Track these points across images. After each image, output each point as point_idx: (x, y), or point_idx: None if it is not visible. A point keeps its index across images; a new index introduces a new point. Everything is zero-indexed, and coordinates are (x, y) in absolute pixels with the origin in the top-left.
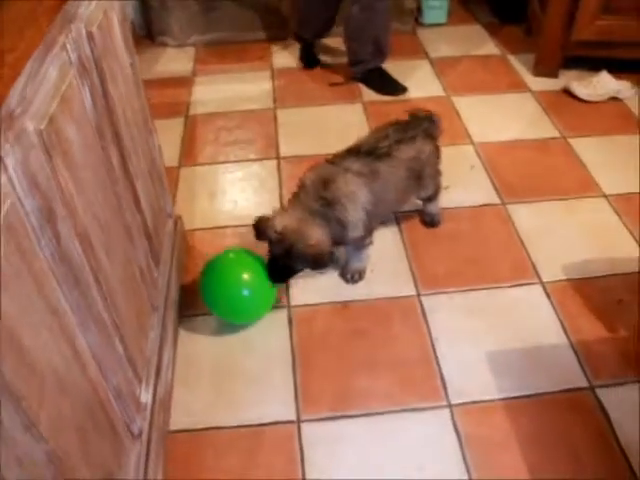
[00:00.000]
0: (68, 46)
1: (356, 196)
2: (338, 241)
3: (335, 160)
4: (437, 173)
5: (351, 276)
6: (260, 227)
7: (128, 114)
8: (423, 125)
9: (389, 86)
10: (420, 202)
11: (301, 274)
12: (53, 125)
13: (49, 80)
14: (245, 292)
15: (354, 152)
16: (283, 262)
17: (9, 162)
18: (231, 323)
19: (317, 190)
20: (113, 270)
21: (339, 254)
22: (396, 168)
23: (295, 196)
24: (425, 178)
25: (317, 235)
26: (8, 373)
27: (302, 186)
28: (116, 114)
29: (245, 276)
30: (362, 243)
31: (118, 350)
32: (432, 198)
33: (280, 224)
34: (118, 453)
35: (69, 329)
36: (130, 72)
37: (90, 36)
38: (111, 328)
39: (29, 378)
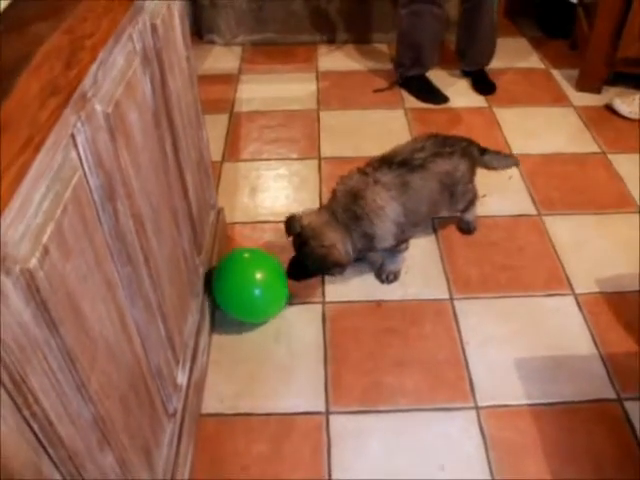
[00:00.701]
0: (134, 36)
1: (384, 211)
2: (368, 250)
3: (367, 170)
4: (469, 190)
5: (386, 276)
6: (289, 222)
7: (182, 105)
8: (462, 143)
9: (430, 95)
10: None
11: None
12: (118, 109)
13: (117, 67)
14: (257, 292)
15: (387, 162)
16: (299, 259)
17: (79, 140)
18: (242, 321)
19: (347, 202)
20: (160, 252)
21: (375, 257)
22: (428, 181)
23: (327, 205)
24: (457, 194)
25: (333, 239)
26: (67, 334)
27: (334, 197)
28: (172, 104)
29: (257, 275)
30: (397, 249)
31: (160, 329)
32: (466, 209)
33: (305, 220)
34: (155, 429)
35: (120, 303)
36: (186, 65)
37: (154, 28)
38: (155, 307)
39: (84, 342)
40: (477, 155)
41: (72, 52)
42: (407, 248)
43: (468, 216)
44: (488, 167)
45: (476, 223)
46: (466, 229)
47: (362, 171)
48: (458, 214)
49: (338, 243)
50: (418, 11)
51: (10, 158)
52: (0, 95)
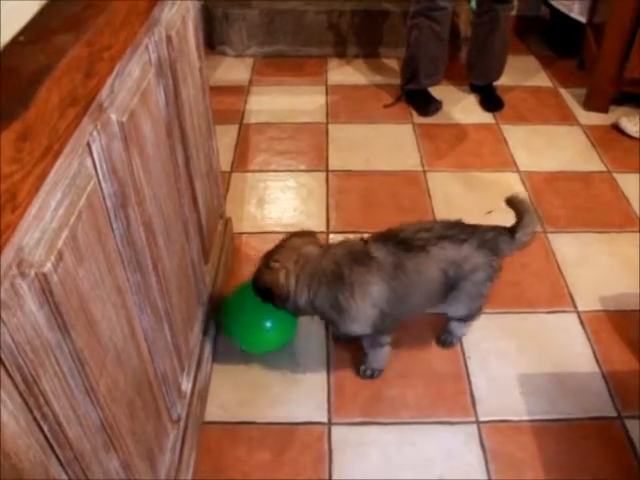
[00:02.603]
0: (150, 47)
1: (368, 288)
2: (331, 323)
3: (365, 238)
4: (479, 295)
5: (364, 371)
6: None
7: (194, 116)
8: (487, 233)
9: (421, 106)
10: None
11: None
12: (133, 119)
13: (132, 77)
14: (268, 324)
15: (386, 237)
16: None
17: (95, 148)
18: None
19: (341, 258)
20: (169, 260)
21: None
22: (426, 267)
23: (327, 248)
24: (461, 294)
25: (284, 268)
26: (78, 338)
27: (334, 246)
28: (184, 114)
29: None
30: (375, 341)
31: (167, 336)
32: (463, 320)
33: (292, 242)
34: (159, 435)
35: (129, 309)
36: (199, 76)
37: (169, 40)
38: (163, 314)
39: (94, 346)
40: (507, 249)
41: (91, 63)
42: (388, 344)
43: (457, 329)
44: (521, 248)
45: (459, 340)
46: (443, 341)
47: (363, 239)
48: (446, 321)
49: (288, 277)
50: (419, 25)
51: (30, 166)
52: (23, 105)
